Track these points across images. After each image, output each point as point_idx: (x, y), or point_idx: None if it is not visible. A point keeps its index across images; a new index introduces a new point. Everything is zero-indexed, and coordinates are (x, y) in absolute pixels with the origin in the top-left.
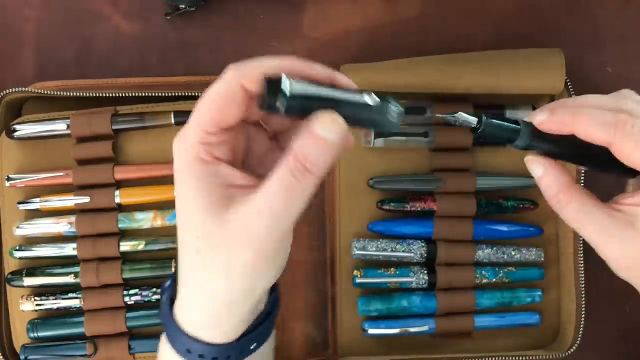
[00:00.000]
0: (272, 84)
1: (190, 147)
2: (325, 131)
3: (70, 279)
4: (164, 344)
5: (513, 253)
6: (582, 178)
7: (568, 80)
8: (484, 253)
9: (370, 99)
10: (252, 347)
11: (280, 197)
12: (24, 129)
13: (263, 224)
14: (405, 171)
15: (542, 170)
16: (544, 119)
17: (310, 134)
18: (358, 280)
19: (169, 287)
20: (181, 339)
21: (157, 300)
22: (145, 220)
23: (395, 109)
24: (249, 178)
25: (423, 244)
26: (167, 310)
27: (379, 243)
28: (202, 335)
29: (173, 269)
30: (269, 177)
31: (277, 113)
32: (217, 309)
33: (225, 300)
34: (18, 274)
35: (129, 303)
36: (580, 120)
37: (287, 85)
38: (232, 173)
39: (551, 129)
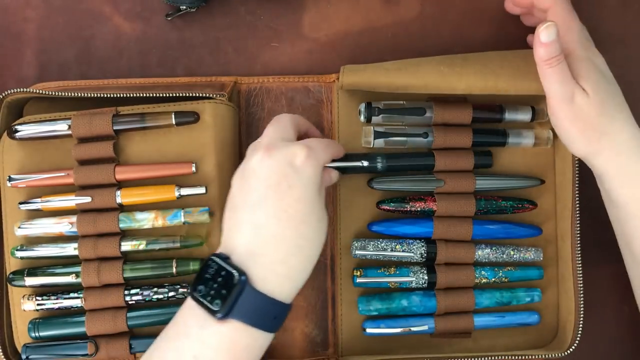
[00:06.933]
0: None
1: (321, 165)
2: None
3: (71, 279)
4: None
5: (512, 253)
6: (577, 168)
7: None
8: (483, 253)
9: (365, 162)
10: None
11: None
12: (25, 129)
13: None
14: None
15: (555, 34)
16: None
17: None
18: (358, 280)
19: (245, 279)
20: (274, 310)
21: (158, 299)
22: (146, 220)
23: (380, 163)
24: None
25: (423, 244)
26: (253, 292)
27: (379, 243)
28: (289, 299)
29: (174, 269)
30: None
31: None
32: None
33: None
34: (19, 273)
35: (130, 302)
36: None
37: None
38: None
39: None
